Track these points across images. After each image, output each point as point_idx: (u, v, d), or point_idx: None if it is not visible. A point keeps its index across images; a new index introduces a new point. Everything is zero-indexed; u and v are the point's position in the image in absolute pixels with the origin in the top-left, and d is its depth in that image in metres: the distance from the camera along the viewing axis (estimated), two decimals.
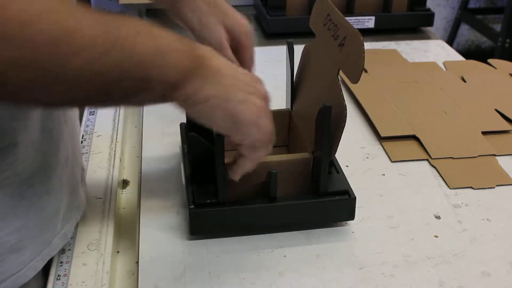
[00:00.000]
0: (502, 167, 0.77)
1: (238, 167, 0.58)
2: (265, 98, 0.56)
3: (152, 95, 0.49)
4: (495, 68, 1.07)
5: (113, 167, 0.76)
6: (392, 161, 0.78)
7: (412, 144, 0.82)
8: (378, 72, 1.03)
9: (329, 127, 0.61)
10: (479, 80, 1.01)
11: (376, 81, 1.00)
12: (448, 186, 0.73)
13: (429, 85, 0.99)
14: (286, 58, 0.73)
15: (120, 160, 0.79)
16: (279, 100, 0.77)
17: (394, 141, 0.82)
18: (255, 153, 0.57)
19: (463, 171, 0.76)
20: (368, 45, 1.18)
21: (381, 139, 0.83)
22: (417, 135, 0.82)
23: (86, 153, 0.78)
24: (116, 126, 0.85)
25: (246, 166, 0.58)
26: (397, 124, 0.85)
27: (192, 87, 0.50)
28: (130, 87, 0.46)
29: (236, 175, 0.59)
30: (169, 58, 0.48)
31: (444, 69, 1.07)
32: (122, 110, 0.89)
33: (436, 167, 0.76)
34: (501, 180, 0.74)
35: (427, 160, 0.78)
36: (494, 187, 0.73)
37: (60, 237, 0.61)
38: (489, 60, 1.09)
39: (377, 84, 0.99)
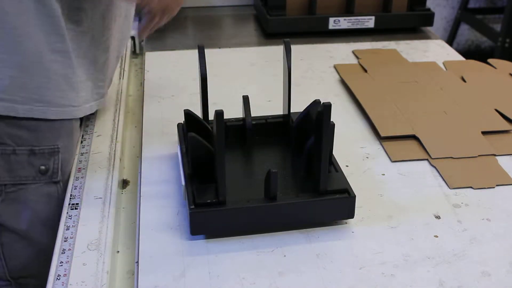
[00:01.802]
0: (502, 167, 0.77)
1: (148, 25, 0.81)
2: None
3: None
4: (495, 68, 1.07)
5: (113, 167, 0.76)
6: (392, 161, 0.78)
7: (412, 144, 0.82)
8: (378, 72, 1.03)
9: (329, 126, 0.61)
10: (479, 80, 1.01)
11: (376, 81, 1.00)
12: (448, 186, 0.73)
13: (429, 85, 0.99)
14: (283, 58, 0.73)
15: (120, 160, 0.79)
16: (280, 100, 0.77)
17: (394, 141, 0.82)
18: (164, 14, 0.80)
19: (463, 171, 0.76)
20: (368, 45, 1.18)
21: (381, 139, 0.83)
22: (417, 135, 0.82)
23: (86, 153, 0.78)
24: (116, 126, 0.85)
25: (155, 24, 0.81)
26: (397, 124, 0.85)
27: None
28: None
29: (145, 33, 0.80)
30: None
31: (444, 69, 1.07)
32: (122, 110, 0.89)
33: (436, 167, 0.76)
34: (501, 180, 0.74)
35: (427, 160, 0.78)
36: (494, 187, 0.73)
37: (103, 93, 0.82)
38: (489, 60, 1.09)
39: (377, 84, 0.99)
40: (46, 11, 0.68)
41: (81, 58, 0.74)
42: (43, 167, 0.73)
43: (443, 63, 1.10)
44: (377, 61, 1.09)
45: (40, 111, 0.71)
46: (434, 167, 0.77)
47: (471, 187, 0.73)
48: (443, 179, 0.74)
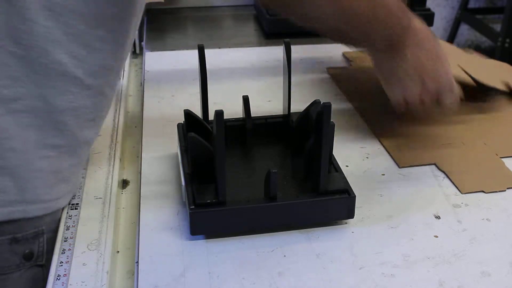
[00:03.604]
0: (506, 167, 0.77)
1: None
2: (436, 83, 0.75)
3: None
4: None
5: (113, 167, 0.76)
6: (400, 167, 0.77)
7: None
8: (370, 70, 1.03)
9: (329, 126, 0.61)
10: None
11: (376, 81, 1.00)
12: (448, 184, 0.73)
13: None
14: (283, 58, 0.73)
15: (120, 160, 0.79)
16: (280, 100, 0.77)
17: (392, 138, 0.82)
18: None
19: (464, 171, 0.76)
20: None
21: (380, 138, 0.83)
22: None
23: None
24: (116, 126, 0.85)
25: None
26: (391, 120, 0.85)
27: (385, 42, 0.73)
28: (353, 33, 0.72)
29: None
30: (387, 25, 0.70)
31: None
32: (122, 110, 0.89)
33: (437, 165, 0.76)
34: (502, 180, 0.74)
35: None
36: (503, 190, 0.73)
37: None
38: None
39: (377, 84, 0.99)
40: (48, 108, 0.59)
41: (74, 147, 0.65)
42: (27, 252, 0.64)
43: None
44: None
45: (22, 211, 0.62)
46: (435, 164, 0.77)
47: (482, 191, 0.73)
48: (451, 180, 0.74)
